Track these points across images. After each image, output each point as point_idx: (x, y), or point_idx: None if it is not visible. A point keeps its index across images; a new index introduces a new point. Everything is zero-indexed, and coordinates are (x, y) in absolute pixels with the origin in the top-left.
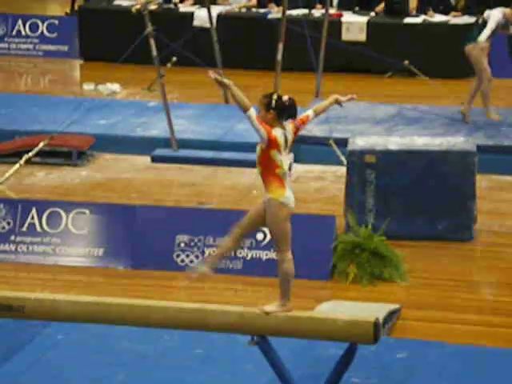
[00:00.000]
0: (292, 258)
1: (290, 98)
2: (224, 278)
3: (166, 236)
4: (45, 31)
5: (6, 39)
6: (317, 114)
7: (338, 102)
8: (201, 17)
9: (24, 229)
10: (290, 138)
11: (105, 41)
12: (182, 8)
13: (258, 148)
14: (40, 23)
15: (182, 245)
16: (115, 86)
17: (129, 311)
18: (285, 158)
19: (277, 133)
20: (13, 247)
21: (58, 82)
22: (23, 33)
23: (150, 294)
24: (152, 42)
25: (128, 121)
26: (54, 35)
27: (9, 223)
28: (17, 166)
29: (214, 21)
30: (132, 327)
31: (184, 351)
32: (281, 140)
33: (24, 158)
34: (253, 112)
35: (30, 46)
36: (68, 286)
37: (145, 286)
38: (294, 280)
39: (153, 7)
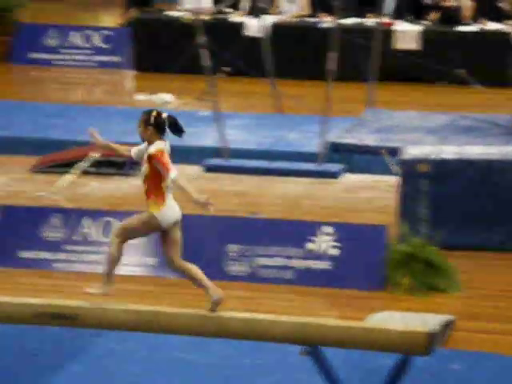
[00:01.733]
0: (119, 248)
1: (169, 116)
2: (275, 288)
3: (216, 245)
4: (99, 42)
5: (61, 51)
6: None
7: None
8: (252, 26)
9: (77, 238)
10: (168, 147)
11: (157, 51)
12: (234, 18)
13: (147, 167)
14: (94, 34)
15: (233, 254)
16: (168, 96)
17: (181, 320)
18: (170, 173)
19: (163, 147)
20: (66, 256)
21: (112, 93)
22: (77, 44)
23: (201, 304)
24: (204, 52)
25: None
26: (108, 46)
27: (62, 233)
28: (71, 175)
29: (266, 30)
30: (184, 336)
31: (235, 361)
32: (166, 155)
33: (78, 168)
34: (133, 151)
35: (85, 58)
36: (121, 294)
37: (197, 295)
38: (114, 266)
39: (204, 17)
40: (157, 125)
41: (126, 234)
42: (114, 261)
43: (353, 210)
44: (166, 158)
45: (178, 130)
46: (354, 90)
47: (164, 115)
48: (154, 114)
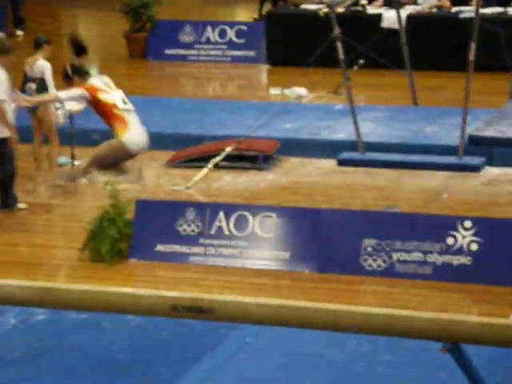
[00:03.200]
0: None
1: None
2: (413, 284)
3: (352, 240)
4: (233, 37)
5: (195, 46)
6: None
7: None
8: (389, 18)
9: (212, 232)
10: (110, 81)
11: (291, 45)
12: (370, 10)
13: (90, 105)
14: (228, 29)
15: (369, 249)
16: (301, 90)
17: (316, 315)
18: (116, 96)
19: (91, 81)
20: (202, 250)
21: (245, 87)
22: (212, 39)
23: (336, 299)
24: (339, 44)
25: (314, 124)
26: (242, 41)
27: (198, 226)
28: (205, 170)
29: (403, 22)
30: (320, 331)
31: (372, 357)
32: (99, 84)
33: (212, 163)
34: (59, 93)
35: (219, 52)
36: (255, 288)
37: (331, 290)
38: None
39: (340, 10)
40: (77, 72)
41: (99, 163)
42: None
43: (495, 204)
44: (91, 84)
45: (86, 72)
46: (496, 81)
47: (76, 62)
48: (68, 66)
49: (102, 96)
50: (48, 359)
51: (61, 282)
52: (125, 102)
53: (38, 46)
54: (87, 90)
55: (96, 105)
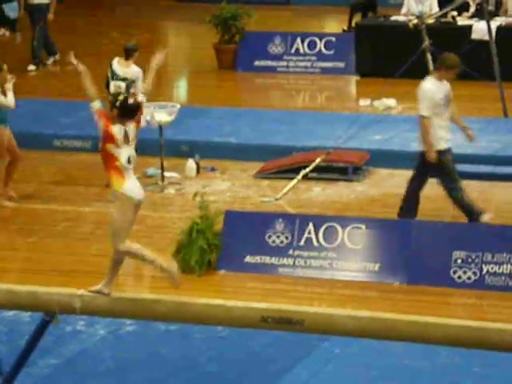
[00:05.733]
0: (127, 250)
1: (135, 102)
2: (504, 296)
3: (442, 252)
4: (322, 48)
5: (285, 57)
6: (146, 94)
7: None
8: (479, 29)
9: (301, 243)
10: (132, 133)
11: (381, 56)
12: (460, 21)
13: (100, 144)
14: (318, 41)
15: (459, 261)
16: (391, 102)
17: (405, 327)
18: (124, 152)
19: (115, 128)
20: (291, 261)
21: (335, 99)
22: (301, 51)
23: (426, 311)
24: (429, 56)
25: (403, 136)
26: (331, 52)
27: (287, 237)
28: (294, 181)
29: (494, 33)
30: (409, 343)
31: (462, 369)
32: (119, 135)
33: (301, 174)
34: (96, 104)
35: (308, 64)
36: (344, 300)
37: (421, 301)
38: (118, 267)
39: (430, 21)
40: (121, 108)
41: (121, 234)
42: (118, 263)
43: None
44: (111, 132)
45: (134, 116)
46: None
47: (130, 101)
48: (121, 98)
49: (110, 147)
50: (136, 370)
51: (149, 293)
52: (129, 161)
53: (131, 53)
54: (106, 131)
55: (103, 149)
